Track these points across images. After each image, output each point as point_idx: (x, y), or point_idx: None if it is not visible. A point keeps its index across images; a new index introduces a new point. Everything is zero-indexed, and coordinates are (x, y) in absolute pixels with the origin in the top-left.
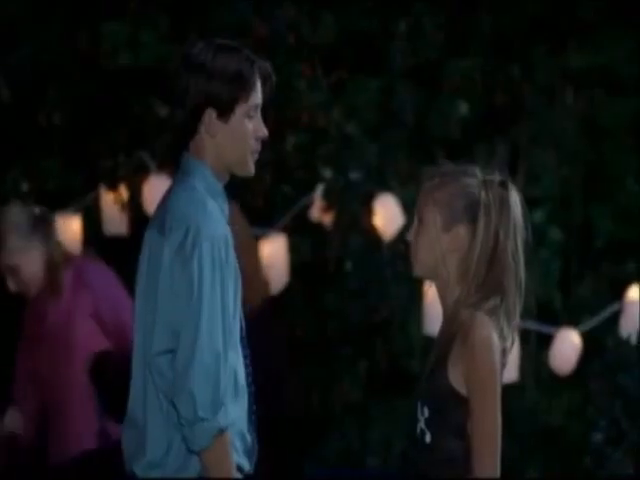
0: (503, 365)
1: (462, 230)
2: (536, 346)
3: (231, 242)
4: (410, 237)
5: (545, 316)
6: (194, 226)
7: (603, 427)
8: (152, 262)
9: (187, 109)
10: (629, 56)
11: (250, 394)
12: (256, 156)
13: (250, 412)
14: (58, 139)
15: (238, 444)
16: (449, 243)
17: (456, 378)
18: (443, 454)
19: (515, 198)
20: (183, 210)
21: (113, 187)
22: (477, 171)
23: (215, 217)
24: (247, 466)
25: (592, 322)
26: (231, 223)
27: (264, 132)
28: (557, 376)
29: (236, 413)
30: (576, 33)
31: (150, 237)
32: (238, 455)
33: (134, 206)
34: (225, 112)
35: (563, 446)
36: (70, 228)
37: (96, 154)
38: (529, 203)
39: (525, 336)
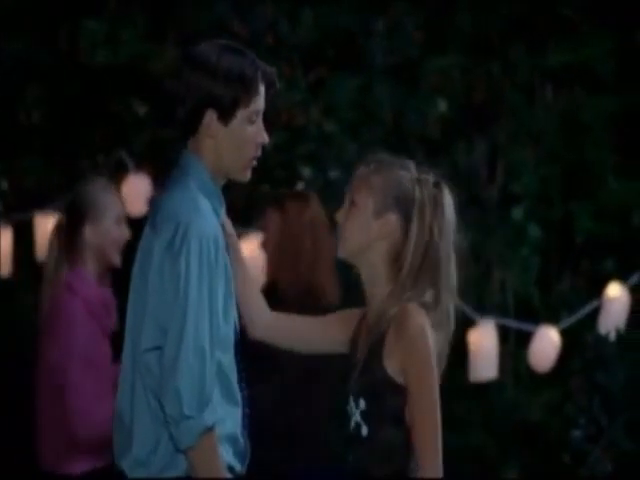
0: (439, 366)
1: (393, 218)
2: (515, 343)
3: (222, 242)
4: (339, 218)
5: (524, 313)
6: (184, 223)
7: (582, 424)
8: (143, 258)
9: (188, 107)
10: (608, 54)
11: (243, 398)
12: (254, 162)
13: (243, 415)
14: (38, 138)
15: (229, 447)
16: (379, 229)
17: (393, 368)
18: (382, 445)
19: (449, 199)
20: (174, 208)
21: None
22: (412, 167)
23: (206, 216)
24: (238, 468)
25: (571, 319)
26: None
27: (264, 138)
28: (536, 373)
29: (228, 415)
30: (555, 31)
31: (144, 233)
32: (229, 458)
33: None
34: (226, 115)
35: (542, 443)
36: (49, 228)
37: (75, 153)
38: (509, 201)
39: (504, 333)
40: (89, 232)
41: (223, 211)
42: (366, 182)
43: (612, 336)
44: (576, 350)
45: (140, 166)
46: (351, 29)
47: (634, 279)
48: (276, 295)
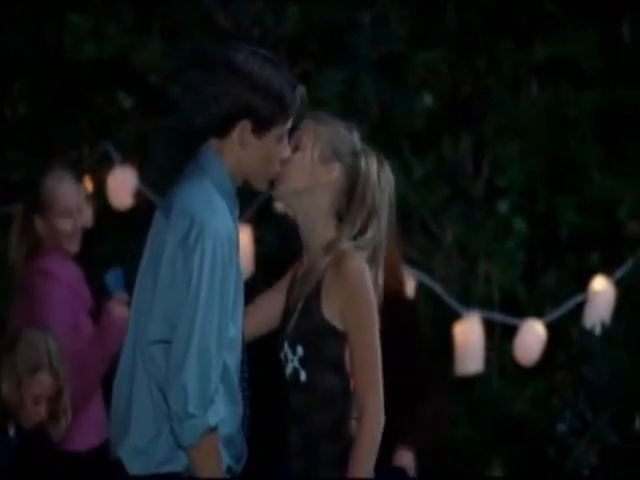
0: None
1: (337, 168)
2: (501, 337)
3: (235, 242)
4: (283, 161)
5: (510, 307)
6: (199, 220)
7: (567, 418)
8: (155, 245)
9: (223, 110)
10: (593, 49)
11: (244, 398)
12: (275, 177)
13: (243, 416)
14: (23, 131)
15: (226, 448)
16: (323, 175)
17: (330, 311)
18: (321, 391)
19: (390, 177)
20: (190, 201)
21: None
22: (356, 135)
23: (221, 215)
24: (235, 468)
25: (556, 313)
26: None
27: (287, 153)
28: (522, 367)
29: (229, 415)
30: (541, 26)
31: (157, 220)
32: (226, 459)
33: (99, 198)
34: (262, 129)
35: (527, 437)
36: None
37: (61, 146)
38: (494, 195)
39: (490, 327)
40: (38, 223)
41: (236, 212)
42: (314, 130)
43: (597, 330)
44: (561, 344)
45: (125, 158)
46: (337, 23)
47: (619, 273)
48: None
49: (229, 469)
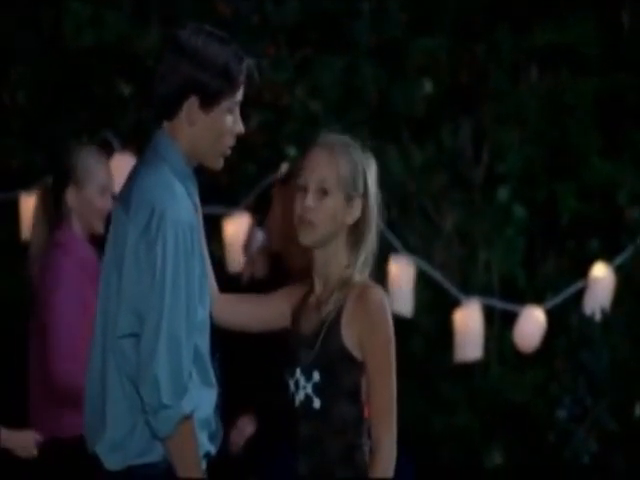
0: None
1: (358, 203)
2: (500, 324)
3: (197, 228)
4: (310, 203)
5: (509, 294)
6: (159, 209)
7: (567, 404)
8: (117, 241)
9: (170, 91)
10: (593, 35)
11: (216, 376)
12: (229, 152)
13: (217, 395)
14: (22, 118)
15: (204, 430)
16: (349, 215)
17: (350, 340)
18: (335, 419)
19: (372, 160)
20: (150, 192)
21: None
22: (357, 144)
23: (181, 201)
24: (212, 451)
25: (556, 300)
26: None
27: (241, 128)
28: (521, 354)
29: (204, 398)
30: (540, 13)
31: (116, 215)
32: (204, 442)
33: None
34: (209, 104)
35: (527, 423)
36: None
37: (60, 133)
38: (494, 181)
39: (489, 314)
40: (71, 196)
41: (196, 192)
42: (337, 171)
43: (597, 316)
44: (561, 330)
45: (125, 146)
46: (336, 10)
47: (619, 260)
48: (282, 268)
49: (207, 454)
